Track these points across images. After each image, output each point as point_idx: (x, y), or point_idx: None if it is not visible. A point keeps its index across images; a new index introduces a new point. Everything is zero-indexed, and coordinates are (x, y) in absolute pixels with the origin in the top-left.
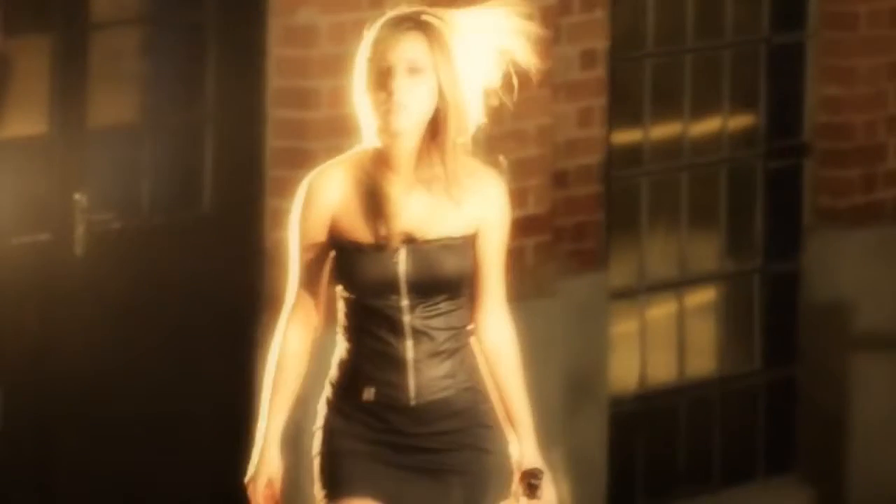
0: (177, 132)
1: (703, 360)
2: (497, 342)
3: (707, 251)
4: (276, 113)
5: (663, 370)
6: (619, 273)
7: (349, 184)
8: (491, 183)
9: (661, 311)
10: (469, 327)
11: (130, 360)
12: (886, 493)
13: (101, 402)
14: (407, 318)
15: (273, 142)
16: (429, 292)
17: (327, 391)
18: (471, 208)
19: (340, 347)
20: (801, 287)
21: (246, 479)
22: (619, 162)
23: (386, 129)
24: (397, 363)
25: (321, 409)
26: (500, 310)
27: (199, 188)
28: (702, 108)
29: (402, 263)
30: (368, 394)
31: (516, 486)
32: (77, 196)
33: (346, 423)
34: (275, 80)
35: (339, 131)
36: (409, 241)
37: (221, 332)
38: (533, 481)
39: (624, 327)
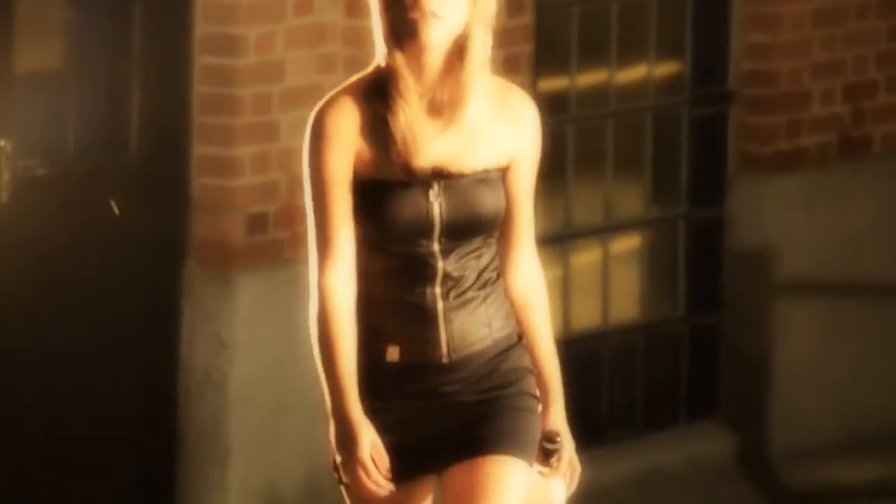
0: (103, 78)
1: (627, 306)
2: (526, 286)
3: (632, 197)
4: (202, 59)
5: (587, 316)
6: (545, 219)
7: (366, 113)
8: (524, 109)
9: (586, 257)
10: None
11: (55, 306)
12: (807, 438)
13: (25, 349)
14: (439, 264)
15: (200, 88)
16: (464, 233)
17: None
18: (504, 137)
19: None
20: (726, 233)
21: (335, 459)
22: (545, 109)
23: (413, 43)
24: (426, 316)
25: None
26: (530, 250)
27: (126, 134)
28: (627, 56)
29: (435, 201)
30: (393, 353)
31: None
32: (2, 142)
33: (368, 392)
34: (202, 27)
35: (266, 78)
36: (441, 175)
37: (147, 278)
38: (548, 446)
39: (549, 273)
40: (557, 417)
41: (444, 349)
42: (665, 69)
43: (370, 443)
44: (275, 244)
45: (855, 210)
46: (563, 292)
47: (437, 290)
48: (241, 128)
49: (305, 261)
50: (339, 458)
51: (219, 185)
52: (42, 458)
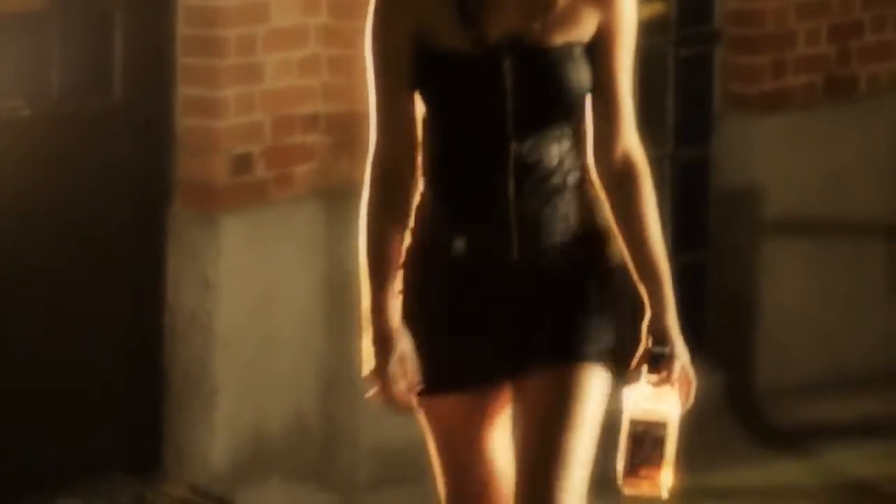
0: (87, 19)
1: (614, 246)
2: (628, 170)
3: None
4: (186, 0)
5: None
6: None
7: None
8: None
9: None
10: (588, 158)
11: (40, 249)
12: (793, 376)
13: (9, 292)
14: (512, 147)
15: (184, 29)
16: (541, 115)
17: (407, 247)
18: (591, 9)
19: (421, 189)
20: (712, 173)
21: (365, 372)
22: None
23: None
24: (497, 206)
25: (399, 272)
26: (631, 131)
27: (110, 76)
28: None
29: (508, 76)
30: (458, 246)
31: (639, 356)
32: None
33: (428, 289)
34: None
35: (251, 18)
36: (517, 47)
37: (132, 220)
38: (657, 350)
39: None
40: (668, 320)
41: (515, 243)
42: (651, 9)
43: (399, 355)
44: (259, 185)
45: (840, 150)
46: None
47: (510, 177)
48: (225, 69)
49: (290, 201)
50: (369, 366)
51: (203, 126)
52: (28, 399)
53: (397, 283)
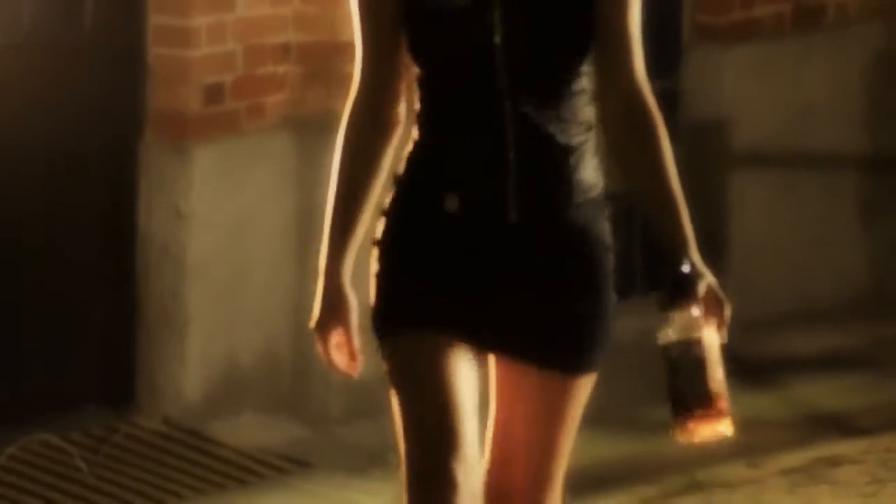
0: None
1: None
2: (639, 107)
3: None
4: None
5: None
6: None
7: None
8: None
9: None
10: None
11: (10, 180)
12: (762, 309)
13: None
14: (507, 105)
15: None
16: (536, 69)
17: (392, 193)
18: None
19: (414, 137)
20: (681, 104)
21: (312, 324)
22: None
23: None
24: (494, 165)
25: (382, 217)
26: (640, 70)
27: (81, 5)
28: None
29: (498, 29)
30: (451, 203)
31: (665, 293)
32: None
33: (416, 237)
34: None
35: None
36: None
37: (103, 150)
38: (679, 273)
39: None
40: (691, 255)
41: (513, 206)
42: None
43: (340, 316)
44: (231, 115)
45: (809, 80)
46: None
47: (509, 135)
48: None
49: (262, 131)
50: (314, 320)
51: (175, 55)
52: (0, 331)
53: (355, 239)
